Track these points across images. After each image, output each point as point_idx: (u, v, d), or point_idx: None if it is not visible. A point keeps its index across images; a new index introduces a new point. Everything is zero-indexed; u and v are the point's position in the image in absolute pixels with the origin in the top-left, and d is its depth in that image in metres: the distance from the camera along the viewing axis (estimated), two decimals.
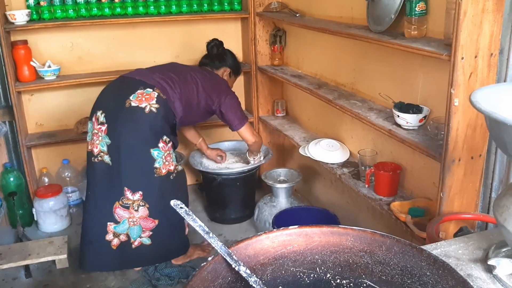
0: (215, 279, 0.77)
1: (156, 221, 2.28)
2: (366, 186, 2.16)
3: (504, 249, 0.96)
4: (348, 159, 2.49)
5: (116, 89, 2.32)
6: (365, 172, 2.18)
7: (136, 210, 2.23)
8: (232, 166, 2.97)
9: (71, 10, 2.95)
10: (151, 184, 2.24)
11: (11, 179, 2.94)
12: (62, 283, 2.50)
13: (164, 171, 2.25)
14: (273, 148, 3.33)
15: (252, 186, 3.04)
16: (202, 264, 0.77)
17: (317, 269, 0.85)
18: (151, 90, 2.24)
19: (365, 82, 2.35)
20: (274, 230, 0.87)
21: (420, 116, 1.86)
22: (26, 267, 2.56)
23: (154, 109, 2.20)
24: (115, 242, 2.27)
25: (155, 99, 2.22)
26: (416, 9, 1.77)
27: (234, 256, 0.80)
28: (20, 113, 2.96)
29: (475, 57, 1.51)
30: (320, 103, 2.55)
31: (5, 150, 3.02)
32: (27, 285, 2.48)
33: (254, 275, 0.78)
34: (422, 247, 0.90)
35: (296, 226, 0.87)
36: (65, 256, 2.59)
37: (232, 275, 0.79)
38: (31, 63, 2.92)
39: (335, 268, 0.85)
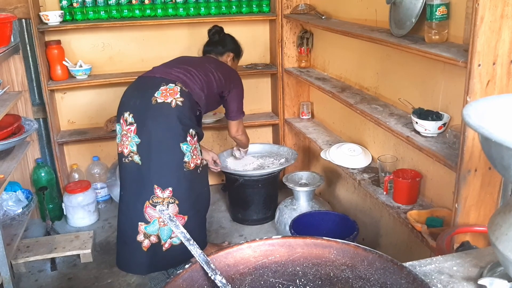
0: (190, 287, 0.78)
1: (186, 217, 2.30)
2: (384, 193, 2.11)
3: (499, 268, 0.92)
4: (370, 164, 2.45)
5: (139, 89, 2.35)
6: (384, 179, 2.13)
7: (166, 209, 2.26)
8: (250, 168, 3.01)
9: (103, 12, 3.04)
10: (181, 179, 2.27)
11: (43, 174, 3.05)
12: (86, 276, 2.58)
13: (192, 165, 2.29)
14: (298, 150, 3.31)
15: (274, 188, 3.03)
16: (178, 272, 0.78)
17: (297, 281, 0.84)
18: (174, 85, 2.28)
19: (388, 86, 2.30)
20: (257, 239, 0.86)
21: (440, 123, 1.81)
22: (52, 260, 2.65)
23: (180, 103, 2.24)
24: (146, 243, 2.29)
25: (179, 93, 2.26)
26: (437, 13, 1.72)
27: (211, 265, 0.80)
28: (53, 111, 3.07)
29: (493, 64, 1.45)
30: (344, 107, 2.52)
31: (38, 146, 3.13)
32: (52, 278, 2.57)
33: (230, 285, 0.79)
34: (405, 264, 0.88)
35: (280, 236, 0.86)
36: (89, 250, 2.67)
37: (208, 284, 0.79)
38: (64, 62, 3.02)
39: (315, 281, 0.84)
